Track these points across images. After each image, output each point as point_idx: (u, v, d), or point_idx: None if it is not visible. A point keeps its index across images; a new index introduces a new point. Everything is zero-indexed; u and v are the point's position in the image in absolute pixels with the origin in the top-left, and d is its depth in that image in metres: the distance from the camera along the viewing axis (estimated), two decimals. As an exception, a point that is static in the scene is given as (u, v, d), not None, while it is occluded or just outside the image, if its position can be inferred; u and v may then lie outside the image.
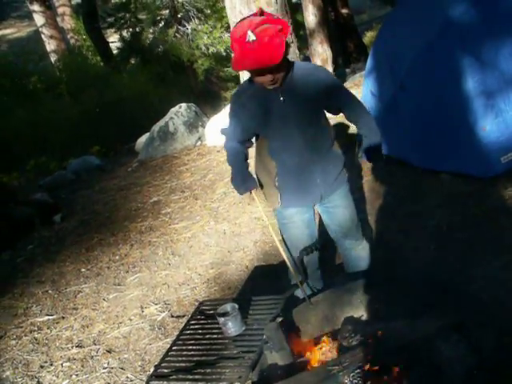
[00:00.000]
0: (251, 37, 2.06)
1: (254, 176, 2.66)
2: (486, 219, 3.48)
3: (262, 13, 2.18)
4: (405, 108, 4.22)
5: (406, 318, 2.36)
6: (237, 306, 2.40)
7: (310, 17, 7.16)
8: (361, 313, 2.61)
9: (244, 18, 2.19)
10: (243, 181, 2.59)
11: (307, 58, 8.25)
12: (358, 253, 2.97)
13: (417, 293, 2.42)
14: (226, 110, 7.18)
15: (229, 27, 10.10)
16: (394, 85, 4.30)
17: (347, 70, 8.96)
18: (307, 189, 2.60)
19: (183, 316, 3.48)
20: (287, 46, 2.14)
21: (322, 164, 2.57)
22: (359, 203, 4.18)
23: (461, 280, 2.96)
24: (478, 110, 3.82)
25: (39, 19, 14.48)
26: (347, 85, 7.37)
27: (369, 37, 13.22)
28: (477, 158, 3.88)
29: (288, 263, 2.66)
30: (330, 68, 6.91)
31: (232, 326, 2.38)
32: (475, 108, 3.83)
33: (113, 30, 15.20)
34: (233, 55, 2.20)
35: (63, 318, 3.92)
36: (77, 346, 3.54)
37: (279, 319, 2.39)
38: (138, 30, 14.25)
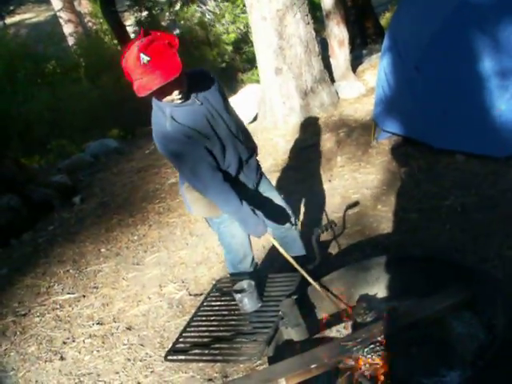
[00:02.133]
0: (145, 58, 2.07)
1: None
2: (501, 199, 3.47)
3: (145, 33, 2.15)
4: (420, 88, 4.20)
5: (420, 295, 2.40)
6: (253, 283, 2.46)
7: (327, -3, 7.08)
8: (375, 290, 2.66)
9: (129, 45, 2.16)
10: (258, 221, 2.56)
11: (323, 40, 8.18)
12: None
13: (430, 271, 2.45)
14: (243, 92, 7.18)
15: (244, 10, 10.07)
16: (410, 65, 4.27)
17: (364, 52, 8.87)
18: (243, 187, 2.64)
19: (201, 294, 3.54)
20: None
21: (249, 162, 2.64)
22: (374, 184, 4.20)
23: (474, 259, 2.97)
24: (493, 90, 3.79)
25: (57, 3, 14.50)
26: (364, 66, 7.32)
27: (386, 18, 13.02)
28: (492, 138, 3.86)
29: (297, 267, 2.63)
30: (347, 49, 6.84)
31: (248, 303, 2.43)
32: (490, 88, 3.80)
33: (130, 14, 15.17)
34: (134, 85, 2.17)
35: (84, 296, 4.02)
36: (97, 324, 3.64)
37: (295, 296, 2.43)
38: (155, 11, 14.21)
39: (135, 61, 2.09)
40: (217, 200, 2.49)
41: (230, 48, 12.94)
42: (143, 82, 2.12)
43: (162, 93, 2.20)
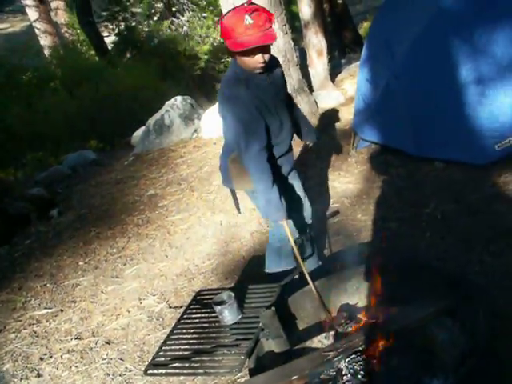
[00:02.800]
0: (248, 20, 2.25)
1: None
2: (481, 206, 3.50)
3: (250, 2, 2.34)
4: (399, 96, 4.23)
5: (401, 303, 2.39)
6: (233, 295, 2.43)
7: (305, 8, 7.13)
8: (356, 300, 2.65)
9: (234, 8, 2.34)
10: (280, 206, 2.59)
11: (302, 49, 8.24)
12: None
13: (411, 279, 2.44)
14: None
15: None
16: (389, 73, 4.31)
17: (343, 61, 8.96)
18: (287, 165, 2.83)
19: (181, 306, 3.50)
20: None
21: (291, 149, 2.84)
22: (353, 193, 4.21)
23: (455, 266, 2.99)
24: (471, 98, 3.84)
25: (32, 14, 14.38)
26: (343, 75, 7.38)
27: (364, 27, 13.21)
28: (472, 145, 3.90)
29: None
30: (325, 59, 6.89)
31: (228, 315, 2.41)
32: (469, 96, 3.85)
33: (107, 24, 15.12)
34: (230, 42, 2.34)
35: (62, 310, 3.94)
36: (76, 338, 3.56)
37: (275, 307, 2.41)
38: (132, 23, 14.20)
39: (239, 20, 2.27)
40: (253, 174, 2.55)
41: (205, 58, 12.96)
42: (241, 40, 2.30)
43: (251, 54, 2.35)
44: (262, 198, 2.58)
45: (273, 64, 2.56)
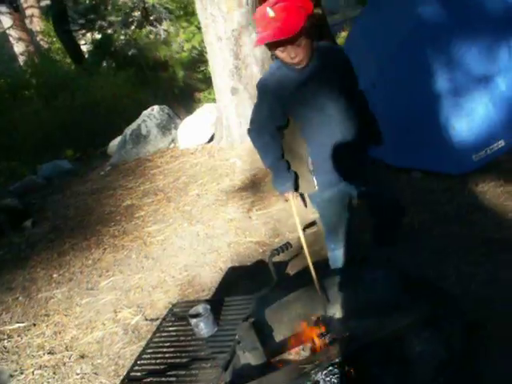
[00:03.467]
0: (270, 13, 2.17)
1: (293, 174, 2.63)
2: (458, 215, 3.53)
3: None
4: (377, 106, 4.24)
5: (379, 314, 2.39)
6: (209, 307, 2.40)
7: (282, 18, 7.18)
8: (333, 311, 2.63)
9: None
10: (284, 181, 2.61)
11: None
12: None
13: (388, 290, 2.44)
14: (199, 112, 7.16)
15: (200, 28, 10.09)
16: (366, 83, 4.33)
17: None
18: (340, 168, 2.65)
19: (157, 319, 3.45)
20: (310, 24, 2.24)
21: (352, 144, 2.60)
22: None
23: (433, 276, 2.99)
24: (448, 109, 3.88)
25: (6, 21, 14.22)
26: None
27: (342, 37, 13.31)
28: (448, 155, 3.94)
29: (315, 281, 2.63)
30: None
31: (204, 327, 2.37)
32: (446, 106, 3.89)
33: (84, 32, 15.01)
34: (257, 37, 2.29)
35: (34, 324, 3.85)
36: (48, 353, 3.48)
37: (251, 319, 2.38)
38: (109, 32, 14.12)
39: (261, 14, 2.21)
40: (259, 149, 2.62)
41: (183, 67, 12.94)
42: (262, 35, 2.22)
43: (275, 48, 2.29)
44: (271, 171, 2.64)
45: (321, 57, 2.41)
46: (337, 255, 2.99)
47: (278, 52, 2.30)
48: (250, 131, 2.64)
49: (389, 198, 3.04)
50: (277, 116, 2.52)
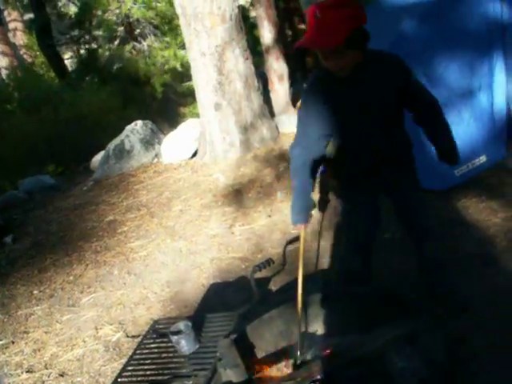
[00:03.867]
0: (317, 15, 2.06)
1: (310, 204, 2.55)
2: (440, 231, 3.55)
3: None
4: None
5: (360, 331, 2.39)
6: (190, 324, 2.39)
7: (266, 33, 7.25)
8: (315, 327, 2.63)
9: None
10: (298, 212, 2.53)
11: (263, 74, 8.33)
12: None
13: (370, 306, 2.45)
14: (182, 127, 7.16)
15: (183, 45, 10.12)
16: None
17: (305, 85, 9.07)
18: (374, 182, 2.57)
19: (138, 336, 3.40)
20: (360, 35, 2.13)
21: (393, 159, 2.51)
22: (314, 219, 4.22)
23: (413, 291, 3.00)
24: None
25: (-11, 35, 14.19)
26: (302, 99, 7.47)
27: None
28: (431, 171, 3.97)
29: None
30: (286, 84, 6.98)
31: (185, 345, 2.36)
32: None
33: (68, 47, 14.99)
34: None
35: (13, 342, 3.79)
36: (27, 372, 3.42)
37: (233, 336, 2.37)
38: (93, 46, 14.12)
39: (310, 12, 2.09)
40: (290, 169, 2.55)
41: (167, 82, 12.95)
42: (302, 38, 2.14)
43: (319, 55, 2.19)
44: (292, 196, 2.56)
45: (371, 66, 2.26)
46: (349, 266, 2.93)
47: (322, 59, 2.21)
48: (290, 147, 2.54)
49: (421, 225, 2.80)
50: (316, 129, 2.39)
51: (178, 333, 2.38)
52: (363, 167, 2.52)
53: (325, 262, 3.63)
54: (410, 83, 2.39)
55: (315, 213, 4.25)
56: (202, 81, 6.08)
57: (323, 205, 2.88)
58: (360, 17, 2.10)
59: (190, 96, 12.63)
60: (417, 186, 2.72)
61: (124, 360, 3.13)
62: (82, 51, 14.37)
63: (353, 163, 2.54)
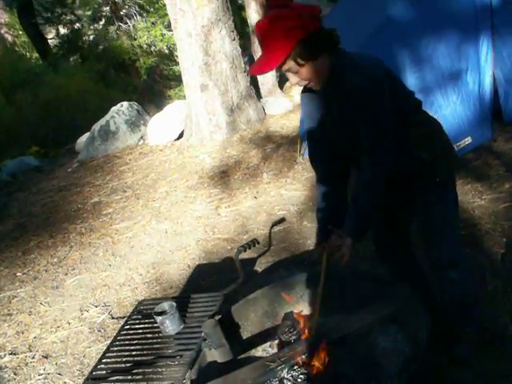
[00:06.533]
0: (258, 36, 1.85)
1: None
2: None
3: (284, 3, 1.82)
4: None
5: (344, 311, 2.39)
6: (175, 305, 2.37)
7: (253, 14, 7.17)
8: (300, 308, 2.63)
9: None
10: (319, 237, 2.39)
11: (251, 55, 8.26)
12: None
13: (355, 287, 2.45)
14: (168, 108, 7.09)
15: (169, 25, 9.99)
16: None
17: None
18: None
19: (123, 317, 3.39)
20: (311, 44, 1.81)
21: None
22: (300, 200, 4.22)
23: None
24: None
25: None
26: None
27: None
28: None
29: None
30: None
31: (170, 325, 2.34)
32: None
33: (50, 26, 14.72)
34: None
35: (-4, 324, 3.77)
36: (10, 354, 3.39)
37: (217, 316, 2.36)
38: (77, 26, 13.88)
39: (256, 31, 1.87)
40: None
41: (153, 64, 12.80)
42: (253, 65, 1.94)
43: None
44: None
45: (341, 80, 1.90)
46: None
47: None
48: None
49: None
50: (315, 139, 2.21)
51: (162, 313, 2.35)
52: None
53: (310, 244, 3.62)
54: (357, 113, 1.92)
55: (300, 194, 4.27)
56: (188, 61, 6.00)
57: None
58: (308, 24, 1.80)
59: (175, 80, 12.52)
60: (437, 206, 2.19)
61: (109, 341, 3.10)
62: (65, 31, 14.11)
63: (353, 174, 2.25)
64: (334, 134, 2.09)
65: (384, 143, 1.93)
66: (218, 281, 3.44)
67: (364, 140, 1.94)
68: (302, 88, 2.12)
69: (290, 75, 1.92)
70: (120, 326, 3.21)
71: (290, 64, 1.84)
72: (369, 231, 2.26)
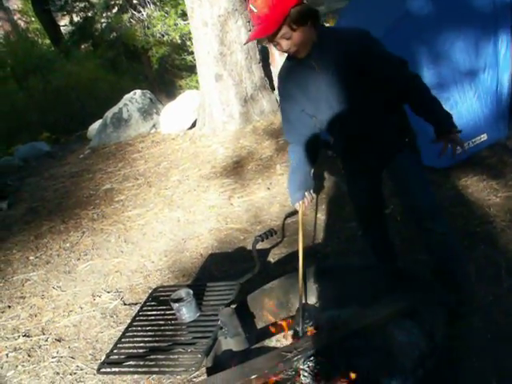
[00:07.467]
0: (253, 9, 2.05)
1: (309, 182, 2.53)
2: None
3: None
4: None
5: (360, 304, 2.40)
6: (191, 292, 2.38)
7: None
8: (315, 299, 2.63)
9: None
10: (296, 190, 2.49)
11: (265, 48, 8.21)
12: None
13: (371, 280, 2.45)
14: (182, 97, 7.09)
15: (184, 14, 9.95)
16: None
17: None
18: (364, 158, 2.49)
19: (136, 304, 3.41)
20: (300, 12, 2.03)
21: (375, 135, 2.39)
22: (316, 191, 4.21)
23: (413, 267, 3.01)
24: (432, 102, 3.90)
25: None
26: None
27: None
28: (432, 149, 3.95)
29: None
30: (284, 57, 6.90)
31: (186, 312, 2.35)
32: (430, 99, 3.91)
33: (64, 13, 14.68)
34: None
35: (9, 307, 3.79)
36: (24, 336, 3.42)
37: (233, 305, 2.37)
38: (90, 14, 13.83)
39: (249, 9, 2.10)
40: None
41: (166, 54, 12.75)
42: (250, 33, 2.21)
43: (269, 43, 2.20)
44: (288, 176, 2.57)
45: (332, 44, 2.15)
46: (365, 240, 2.93)
47: (274, 46, 2.19)
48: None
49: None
50: (297, 118, 2.39)
51: (179, 300, 2.36)
52: (346, 145, 2.49)
53: (324, 236, 3.62)
54: (373, 61, 2.20)
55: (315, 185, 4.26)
56: (204, 51, 5.99)
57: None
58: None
59: (186, 70, 12.48)
60: (415, 165, 2.57)
61: (121, 327, 3.15)
62: (78, 18, 14.08)
63: (337, 140, 2.51)
64: (321, 97, 2.27)
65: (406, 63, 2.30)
66: (231, 270, 3.45)
67: (389, 72, 2.26)
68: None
69: (282, 41, 2.10)
70: (132, 312, 3.26)
71: (285, 29, 2.06)
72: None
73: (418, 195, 2.53)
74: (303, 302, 2.49)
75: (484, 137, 4.06)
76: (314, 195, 2.64)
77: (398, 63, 2.28)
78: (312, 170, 2.55)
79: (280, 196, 4.30)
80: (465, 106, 3.98)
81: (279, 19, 2.03)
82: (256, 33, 2.10)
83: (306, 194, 2.50)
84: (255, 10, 2.04)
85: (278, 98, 2.47)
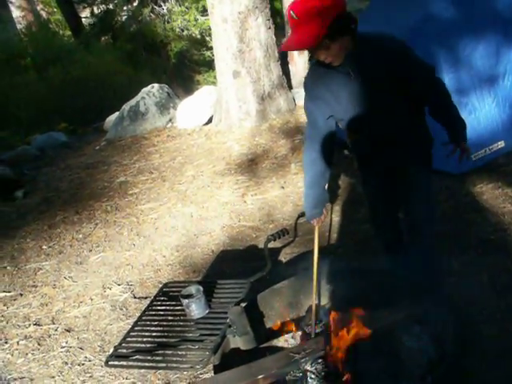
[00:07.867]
0: (293, 16, 1.99)
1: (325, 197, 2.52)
2: (455, 215, 3.52)
3: None
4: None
5: (370, 308, 2.38)
6: (201, 289, 2.38)
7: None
8: (325, 301, 2.62)
9: None
10: (313, 206, 2.47)
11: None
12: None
13: (382, 284, 2.43)
14: (199, 92, 7.09)
15: (205, 10, 9.95)
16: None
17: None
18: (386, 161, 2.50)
19: (146, 297, 3.43)
20: (341, 24, 2.02)
21: (400, 139, 2.41)
22: (330, 193, 4.19)
23: (425, 274, 2.98)
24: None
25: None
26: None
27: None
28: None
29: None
30: (306, 57, 6.86)
31: (196, 309, 2.35)
32: (448, 104, 3.87)
33: (85, 5, 14.76)
34: None
35: (21, 295, 3.82)
36: (34, 324, 3.45)
37: (243, 304, 2.37)
38: (111, 6, 13.88)
39: (288, 14, 2.03)
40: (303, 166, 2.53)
41: (184, 49, 12.76)
42: (285, 41, 2.12)
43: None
44: (304, 191, 2.51)
45: (368, 51, 2.14)
46: (378, 240, 2.95)
47: (310, 52, 2.17)
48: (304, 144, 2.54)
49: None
50: (321, 124, 2.37)
51: (188, 296, 2.37)
52: (367, 148, 2.49)
53: (337, 237, 3.60)
54: (410, 69, 2.23)
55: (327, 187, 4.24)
56: (222, 47, 5.99)
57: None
58: (334, 6, 1.98)
59: (204, 65, 12.48)
60: (424, 178, 2.58)
61: (130, 320, 3.16)
62: (99, 10, 14.14)
63: (358, 144, 2.53)
64: (354, 103, 2.26)
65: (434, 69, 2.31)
66: (242, 268, 3.44)
67: (423, 79, 2.28)
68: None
69: (319, 52, 2.08)
70: (142, 305, 3.28)
71: (325, 41, 2.02)
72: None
73: (417, 208, 2.59)
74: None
75: (501, 144, 4.02)
76: (329, 207, 2.62)
77: (430, 70, 2.31)
78: (327, 185, 2.54)
79: (293, 195, 4.29)
80: (483, 112, 3.95)
81: (320, 32, 1.98)
82: (294, 44, 2.10)
83: (323, 210, 2.50)
84: (295, 18, 1.98)
85: (305, 103, 2.41)
